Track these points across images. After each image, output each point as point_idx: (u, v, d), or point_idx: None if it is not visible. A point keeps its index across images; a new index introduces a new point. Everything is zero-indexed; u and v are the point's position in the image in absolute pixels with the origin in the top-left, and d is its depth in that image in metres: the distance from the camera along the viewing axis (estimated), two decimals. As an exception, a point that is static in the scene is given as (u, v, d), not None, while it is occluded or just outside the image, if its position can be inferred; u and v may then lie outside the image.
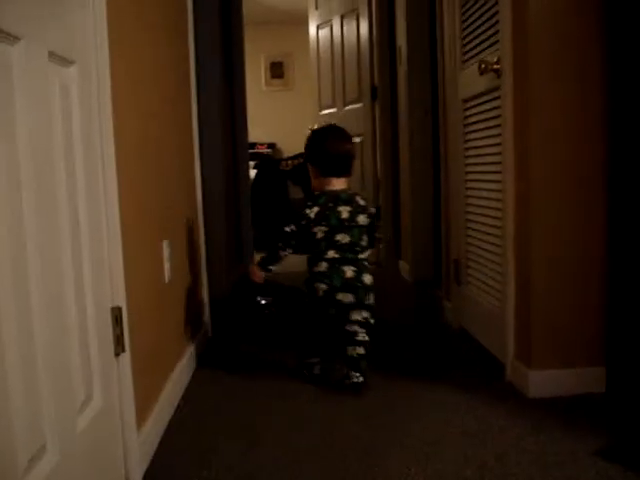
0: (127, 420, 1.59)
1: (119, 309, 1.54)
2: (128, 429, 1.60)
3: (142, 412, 1.73)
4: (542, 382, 2.13)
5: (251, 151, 6.38)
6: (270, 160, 6.79)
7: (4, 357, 1.02)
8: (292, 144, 7.44)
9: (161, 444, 1.87)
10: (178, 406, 2.15)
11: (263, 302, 2.64)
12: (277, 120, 7.74)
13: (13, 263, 1.06)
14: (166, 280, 2.15)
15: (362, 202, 2.32)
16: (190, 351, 2.47)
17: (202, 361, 2.62)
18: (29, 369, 1.11)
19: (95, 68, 1.48)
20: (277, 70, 7.97)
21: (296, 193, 5.77)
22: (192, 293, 2.67)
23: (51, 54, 1.24)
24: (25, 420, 1.08)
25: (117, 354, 1.55)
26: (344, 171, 2.31)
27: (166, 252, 2.14)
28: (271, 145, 7.78)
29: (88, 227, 1.41)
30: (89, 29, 1.46)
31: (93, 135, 1.47)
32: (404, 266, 4.38)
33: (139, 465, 1.65)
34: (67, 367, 1.28)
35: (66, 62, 1.34)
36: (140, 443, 1.67)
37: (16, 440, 1.05)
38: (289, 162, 6.12)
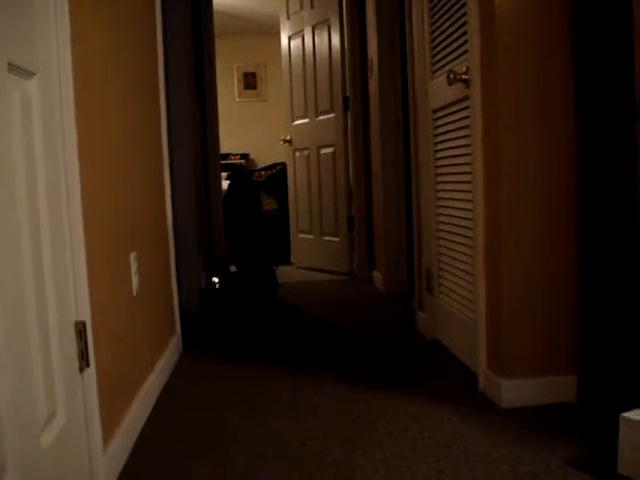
0: (93, 436, 1.56)
1: (83, 323, 1.51)
2: (94, 446, 1.56)
3: (109, 428, 1.70)
4: (514, 392, 2.13)
5: (224, 162, 6.37)
6: (243, 171, 6.76)
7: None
8: (265, 155, 7.44)
9: (129, 461, 1.83)
10: (148, 421, 2.12)
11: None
12: (250, 131, 7.73)
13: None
14: (134, 293, 2.12)
15: None
16: (160, 364, 2.43)
17: (174, 373, 2.59)
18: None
19: (58, 79, 1.46)
20: (250, 81, 7.97)
21: (269, 204, 5.76)
22: (162, 306, 2.64)
23: (10, 65, 1.22)
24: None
25: (81, 369, 1.52)
26: None
27: (134, 265, 2.11)
28: (244, 156, 7.76)
29: (50, 240, 1.38)
30: (51, 40, 1.44)
31: (56, 147, 1.44)
32: (377, 276, 4.38)
33: (106, 483, 1.62)
34: (29, 383, 1.25)
35: (27, 73, 1.32)
36: (107, 460, 1.64)
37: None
38: (262, 173, 6.09)
